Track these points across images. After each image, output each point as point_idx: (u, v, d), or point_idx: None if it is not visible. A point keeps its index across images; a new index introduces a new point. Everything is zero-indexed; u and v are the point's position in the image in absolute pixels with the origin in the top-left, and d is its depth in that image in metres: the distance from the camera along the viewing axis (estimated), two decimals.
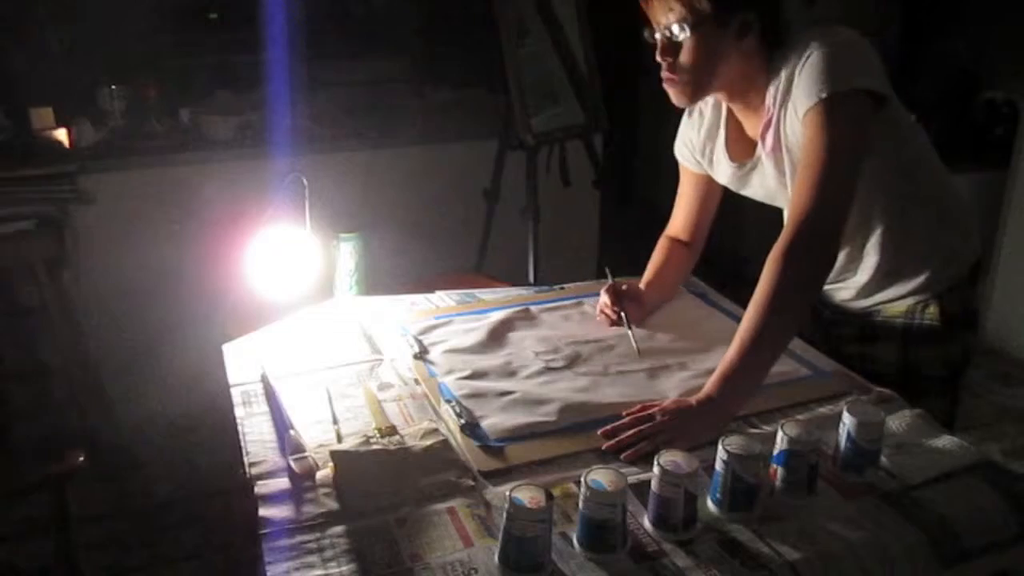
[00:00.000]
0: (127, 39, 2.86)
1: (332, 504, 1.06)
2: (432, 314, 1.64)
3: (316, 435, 1.21)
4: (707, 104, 1.49)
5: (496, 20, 2.55)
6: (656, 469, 1.00)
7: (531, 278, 2.65)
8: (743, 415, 1.25)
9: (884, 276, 1.43)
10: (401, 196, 2.95)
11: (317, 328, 1.58)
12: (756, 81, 1.34)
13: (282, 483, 1.11)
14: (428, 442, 1.18)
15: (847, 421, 1.11)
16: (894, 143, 1.34)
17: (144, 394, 2.61)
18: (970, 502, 1.07)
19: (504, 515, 0.93)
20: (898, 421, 1.23)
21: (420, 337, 1.52)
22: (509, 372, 1.40)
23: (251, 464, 1.15)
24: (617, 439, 1.18)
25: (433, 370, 1.41)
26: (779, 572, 0.95)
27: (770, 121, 1.34)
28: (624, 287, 1.58)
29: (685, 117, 1.55)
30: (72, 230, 2.49)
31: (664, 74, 1.34)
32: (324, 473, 1.12)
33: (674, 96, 1.36)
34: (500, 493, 1.06)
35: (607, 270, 1.64)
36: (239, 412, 1.29)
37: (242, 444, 1.20)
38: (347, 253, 1.68)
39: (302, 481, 1.10)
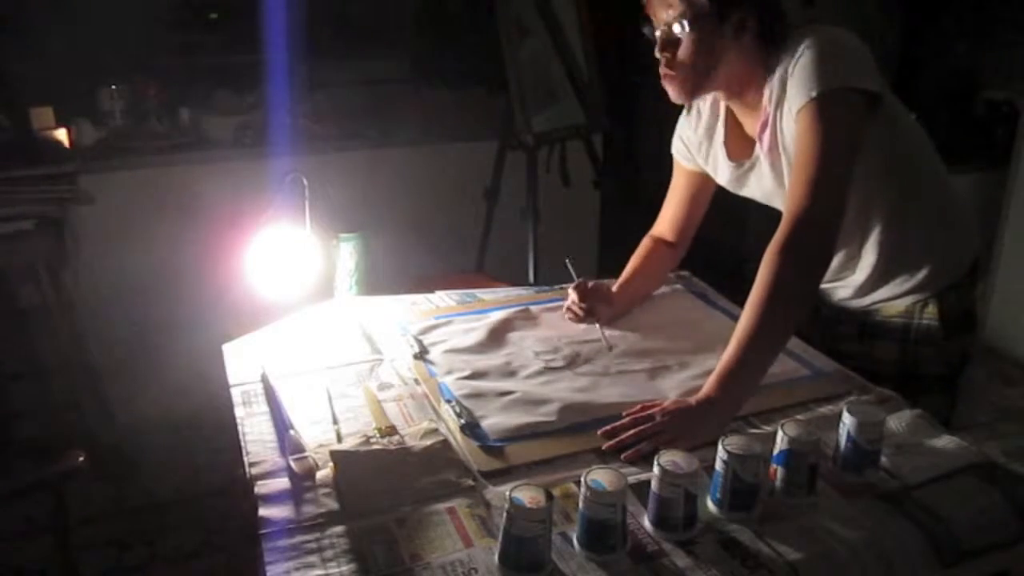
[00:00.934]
0: (127, 39, 2.86)
1: (332, 504, 1.06)
2: (432, 314, 1.64)
3: (316, 435, 1.21)
4: (705, 102, 1.49)
5: (496, 20, 2.55)
6: (656, 469, 1.00)
7: (531, 278, 2.65)
8: (743, 415, 1.25)
9: (883, 274, 1.43)
10: (401, 196, 2.95)
11: (317, 328, 1.58)
12: (754, 80, 1.34)
13: (282, 483, 1.10)
14: (428, 442, 1.18)
15: (847, 421, 1.11)
16: (890, 140, 1.34)
17: (144, 394, 2.60)
18: (970, 502, 1.07)
19: (504, 515, 0.93)
20: (898, 421, 1.23)
21: (420, 337, 1.52)
22: (509, 372, 1.40)
23: (251, 464, 1.15)
24: (617, 439, 1.18)
25: (433, 370, 1.41)
26: (779, 572, 0.95)
27: (767, 121, 1.34)
28: (591, 285, 1.58)
29: (683, 114, 1.56)
30: (72, 230, 2.49)
31: (663, 70, 1.35)
32: (324, 473, 1.12)
33: (672, 92, 1.37)
34: (500, 493, 1.06)
35: (568, 263, 1.62)
36: (239, 412, 1.29)
37: (242, 444, 1.20)
38: (347, 253, 1.68)
39: (302, 481, 1.10)
